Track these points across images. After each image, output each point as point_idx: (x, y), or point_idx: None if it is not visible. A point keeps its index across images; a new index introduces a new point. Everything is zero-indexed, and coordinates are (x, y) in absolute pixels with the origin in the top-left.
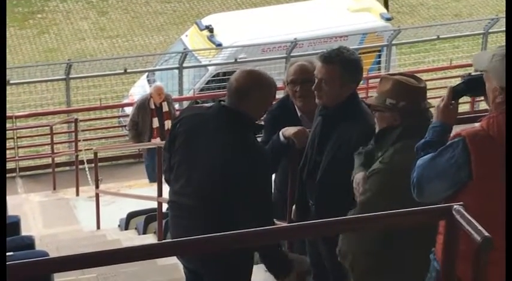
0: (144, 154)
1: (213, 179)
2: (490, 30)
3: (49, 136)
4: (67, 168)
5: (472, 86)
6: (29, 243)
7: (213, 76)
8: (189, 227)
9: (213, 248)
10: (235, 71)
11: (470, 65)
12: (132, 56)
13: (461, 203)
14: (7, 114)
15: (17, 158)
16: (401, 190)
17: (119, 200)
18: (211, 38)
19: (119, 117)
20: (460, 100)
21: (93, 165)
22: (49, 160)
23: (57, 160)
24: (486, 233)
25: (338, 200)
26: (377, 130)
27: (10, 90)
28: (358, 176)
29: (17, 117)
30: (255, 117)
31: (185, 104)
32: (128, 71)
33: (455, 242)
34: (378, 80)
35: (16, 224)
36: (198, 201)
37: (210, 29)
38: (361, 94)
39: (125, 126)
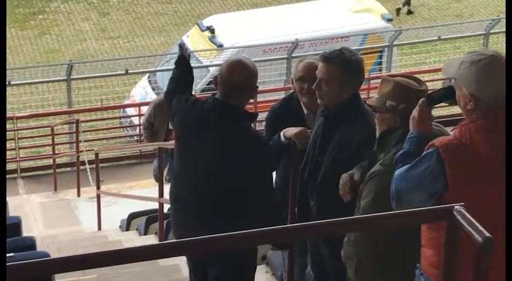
0: (156, 154)
1: (211, 172)
2: (491, 31)
3: (50, 137)
4: (68, 169)
5: (451, 93)
6: (30, 244)
7: (214, 77)
8: (188, 219)
9: (214, 248)
10: None
11: None
12: (133, 56)
13: (463, 203)
14: (8, 115)
15: (18, 159)
16: None
17: (120, 201)
18: (212, 39)
19: (120, 118)
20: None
21: (94, 166)
22: (50, 161)
23: (59, 160)
24: (487, 234)
25: (339, 200)
26: (377, 131)
27: (11, 91)
28: (343, 176)
29: (18, 118)
30: (245, 105)
31: None
32: (129, 72)
33: (456, 243)
34: (379, 81)
35: (17, 225)
36: (196, 193)
37: (211, 29)
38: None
39: (126, 127)
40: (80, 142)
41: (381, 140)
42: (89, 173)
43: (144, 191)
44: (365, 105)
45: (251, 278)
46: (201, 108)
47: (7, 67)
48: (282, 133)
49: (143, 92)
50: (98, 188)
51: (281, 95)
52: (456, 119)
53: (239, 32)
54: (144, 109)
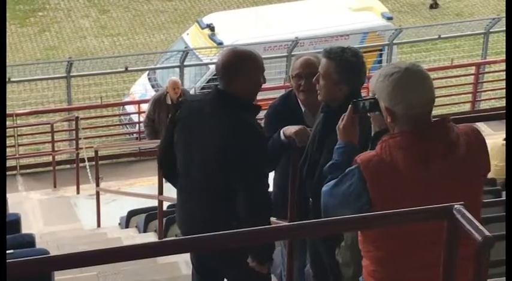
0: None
1: (210, 162)
2: (491, 30)
3: (50, 134)
4: (68, 166)
5: (376, 104)
6: (29, 241)
7: (214, 75)
8: (192, 211)
9: (212, 247)
10: None
11: (471, 65)
12: (133, 54)
13: (462, 202)
14: (8, 112)
15: (17, 156)
16: None
17: (120, 199)
18: (212, 37)
19: (119, 115)
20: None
21: (93, 163)
22: (50, 158)
23: (58, 157)
24: (487, 233)
25: None
26: (372, 131)
27: (11, 88)
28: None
29: (17, 115)
30: (248, 97)
31: None
32: (128, 69)
33: (456, 242)
34: None
35: (16, 222)
36: (198, 185)
37: (211, 27)
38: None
39: (126, 124)
40: (80, 139)
41: (374, 140)
42: (88, 171)
43: (144, 189)
44: None
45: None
46: (203, 99)
47: (7, 64)
48: (281, 132)
49: (143, 90)
50: (98, 185)
51: (281, 93)
52: (456, 119)
53: (239, 30)
54: (144, 107)
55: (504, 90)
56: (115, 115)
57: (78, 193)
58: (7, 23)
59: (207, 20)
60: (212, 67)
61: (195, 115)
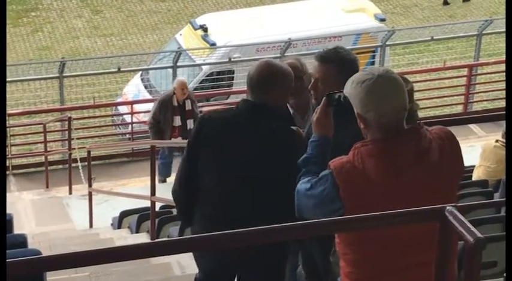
0: (161, 151)
1: (256, 173)
2: (484, 32)
3: (42, 134)
4: (60, 166)
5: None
6: (21, 241)
7: (207, 75)
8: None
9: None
10: (229, 71)
11: (463, 66)
12: (126, 54)
13: (455, 204)
14: None
15: (10, 156)
16: None
17: (112, 199)
18: (205, 38)
19: (112, 116)
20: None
21: (86, 163)
22: (42, 158)
23: (50, 158)
24: (479, 234)
25: None
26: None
27: None
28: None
29: (10, 115)
30: (281, 106)
31: None
32: (121, 69)
33: (448, 244)
34: None
35: (9, 222)
36: (239, 204)
37: (204, 28)
38: None
39: (119, 125)
40: (72, 139)
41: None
42: (80, 171)
43: (136, 189)
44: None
45: (284, 274)
46: (233, 114)
47: None
48: None
49: (136, 90)
50: (90, 185)
51: None
52: (450, 120)
53: (232, 31)
54: (137, 107)
55: (496, 92)
56: (108, 116)
57: (70, 193)
58: None
59: (200, 21)
60: (205, 68)
61: (228, 131)
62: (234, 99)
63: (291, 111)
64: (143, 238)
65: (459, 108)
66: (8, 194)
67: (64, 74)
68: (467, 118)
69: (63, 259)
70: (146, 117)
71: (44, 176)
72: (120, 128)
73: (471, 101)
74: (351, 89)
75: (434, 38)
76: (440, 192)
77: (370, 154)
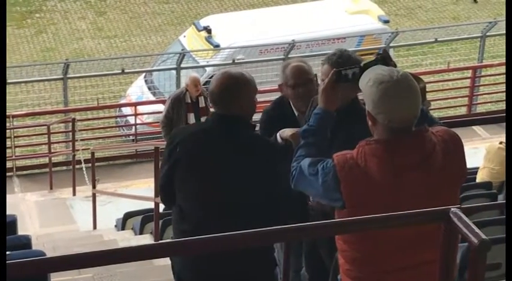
0: None
1: (239, 189)
2: (488, 34)
3: (46, 136)
4: (64, 168)
5: (359, 76)
6: (25, 242)
7: (211, 77)
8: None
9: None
10: None
11: (467, 68)
12: (129, 56)
13: (459, 205)
14: None
15: (14, 157)
16: None
17: (116, 200)
18: (209, 39)
19: (116, 117)
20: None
21: (90, 165)
22: (46, 160)
23: (54, 159)
24: (484, 236)
25: None
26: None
27: (8, 89)
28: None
29: (14, 116)
30: (249, 116)
31: None
32: (125, 71)
33: (453, 245)
34: None
35: (13, 223)
36: (224, 219)
37: (208, 30)
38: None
39: (122, 126)
40: (76, 140)
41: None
42: (84, 172)
43: (140, 191)
44: (362, 105)
45: None
46: (202, 129)
47: None
48: (278, 135)
49: (139, 92)
50: (94, 187)
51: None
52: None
53: (236, 33)
54: (140, 109)
55: (501, 93)
56: (111, 117)
57: (74, 194)
58: None
59: (204, 22)
60: (209, 69)
61: (200, 147)
62: None
63: (296, 113)
64: (147, 239)
65: (463, 110)
66: (12, 196)
67: (68, 76)
68: (471, 120)
69: (67, 260)
70: (150, 119)
71: (48, 177)
72: (123, 130)
73: (475, 102)
74: (366, 85)
75: (438, 39)
76: (441, 194)
77: (374, 154)
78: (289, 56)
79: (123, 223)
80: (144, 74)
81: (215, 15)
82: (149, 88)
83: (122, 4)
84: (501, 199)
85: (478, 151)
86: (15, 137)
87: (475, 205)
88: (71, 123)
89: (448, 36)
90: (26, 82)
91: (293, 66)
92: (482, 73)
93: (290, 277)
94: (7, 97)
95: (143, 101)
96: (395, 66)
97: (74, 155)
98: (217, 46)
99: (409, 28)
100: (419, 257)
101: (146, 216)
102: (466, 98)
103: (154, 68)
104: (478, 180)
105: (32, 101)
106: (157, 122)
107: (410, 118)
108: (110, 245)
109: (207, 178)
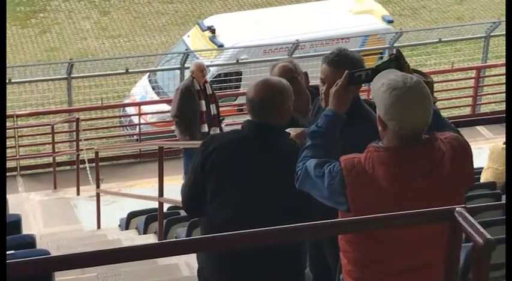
0: (184, 150)
1: (275, 198)
2: (492, 34)
3: (50, 135)
4: (68, 167)
5: (373, 77)
6: (29, 242)
7: (215, 77)
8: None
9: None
10: (237, 72)
11: (471, 68)
12: (133, 56)
13: (464, 205)
14: (8, 113)
15: (18, 157)
16: None
17: (120, 200)
18: (213, 39)
19: (120, 117)
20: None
21: (94, 164)
22: (50, 159)
23: (58, 159)
24: (488, 236)
25: None
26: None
27: (12, 89)
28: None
29: (18, 116)
30: (284, 123)
31: None
32: (129, 71)
33: (457, 245)
34: None
35: (17, 223)
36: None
37: (212, 29)
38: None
39: (126, 126)
40: (80, 140)
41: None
42: (88, 172)
43: (144, 190)
44: (365, 105)
45: None
46: (239, 137)
47: (7, 65)
48: None
49: (143, 91)
50: (98, 187)
51: None
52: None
53: (240, 33)
54: (144, 108)
55: (504, 94)
56: (115, 117)
57: (78, 194)
58: (8, 25)
59: (207, 22)
60: (213, 69)
61: (239, 156)
62: (241, 100)
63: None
64: (151, 239)
65: (467, 110)
66: (16, 195)
67: (72, 75)
68: (474, 120)
69: (71, 259)
70: (154, 119)
71: (52, 177)
72: (127, 129)
73: (479, 103)
74: (378, 90)
75: (442, 40)
76: (447, 201)
77: (382, 162)
78: (293, 56)
79: (127, 223)
80: (148, 74)
81: (219, 15)
82: (153, 88)
83: (126, 4)
84: (505, 199)
85: (482, 151)
86: (19, 136)
87: (480, 205)
88: (74, 123)
89: (452, 36)
90: (30, 82)
91: (279, 66)
92: (486, 73)
93: None
94: (11, 97)
95: (147, 100)
96: (409, 67)
97: (78, 155)
98: (221, 46)
99: (413, 28)
100: (421, 260)
101: (150, 216)
102: (470, 98)
103: (158, 67)
104: (482, 180)
105: (36, 101)
106: (161, 122)
107: (422, 126)
108: (113, 244)
109: (245, 187)
